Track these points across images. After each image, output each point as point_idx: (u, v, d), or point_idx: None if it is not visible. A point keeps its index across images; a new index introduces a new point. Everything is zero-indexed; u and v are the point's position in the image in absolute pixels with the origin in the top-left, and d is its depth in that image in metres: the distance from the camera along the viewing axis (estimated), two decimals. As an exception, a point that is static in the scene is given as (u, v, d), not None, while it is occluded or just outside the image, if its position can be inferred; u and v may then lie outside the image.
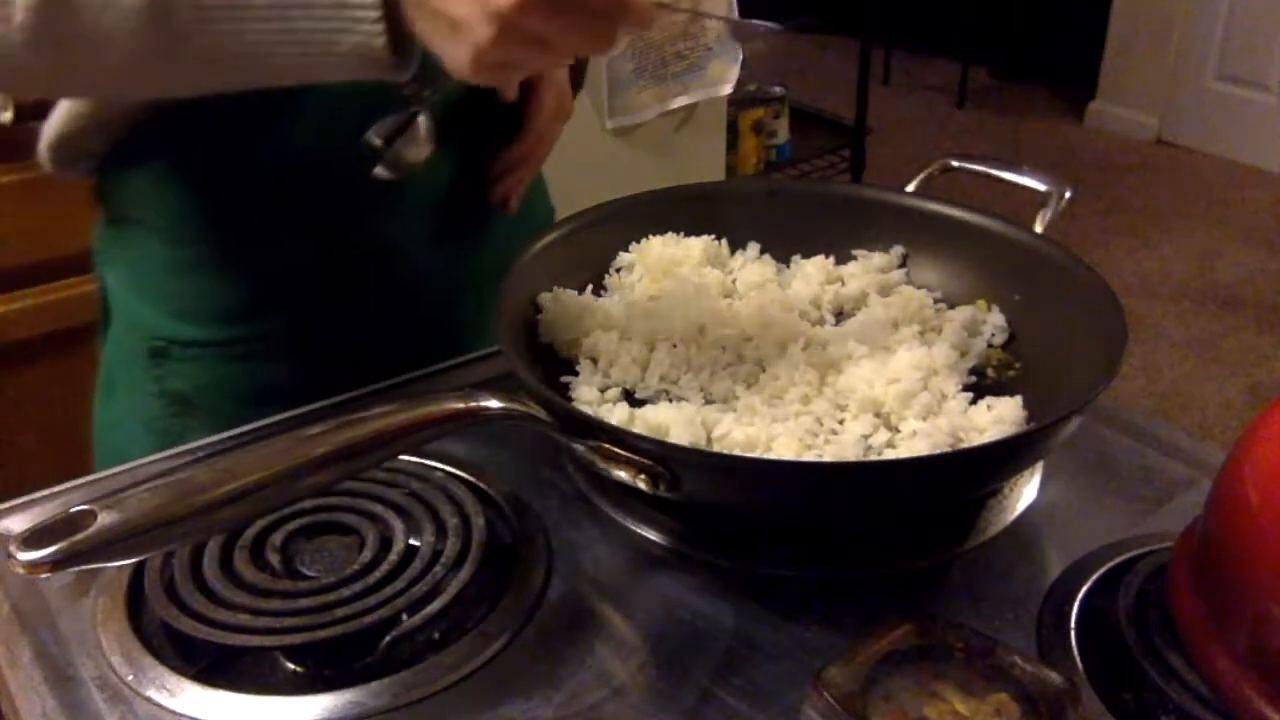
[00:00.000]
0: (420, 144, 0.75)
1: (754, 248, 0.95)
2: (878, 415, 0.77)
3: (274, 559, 0.70)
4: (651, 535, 0.75)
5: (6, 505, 0.77)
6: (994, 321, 0.87)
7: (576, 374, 0.82)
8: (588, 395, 0.79)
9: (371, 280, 0.95)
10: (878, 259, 0.93)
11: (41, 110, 0.86)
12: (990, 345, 0.86)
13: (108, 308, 0.99)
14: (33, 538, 0.55)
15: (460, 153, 0.95)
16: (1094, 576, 0.70)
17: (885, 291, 0.91)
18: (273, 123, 0.85)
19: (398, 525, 0.72)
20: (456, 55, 0.62)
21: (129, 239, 0.93)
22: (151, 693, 0.63)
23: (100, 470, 0.84)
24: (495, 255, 0.89)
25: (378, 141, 0.75)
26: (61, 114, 0.87)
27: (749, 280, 0.91)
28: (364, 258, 0.94)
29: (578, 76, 1.03)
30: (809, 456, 0.73)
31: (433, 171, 0.93)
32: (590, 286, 0.90)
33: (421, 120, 0.73)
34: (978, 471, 0.71)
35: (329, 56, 0.67)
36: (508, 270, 0.83)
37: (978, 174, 0.96)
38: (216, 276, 0.91)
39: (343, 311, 0.95)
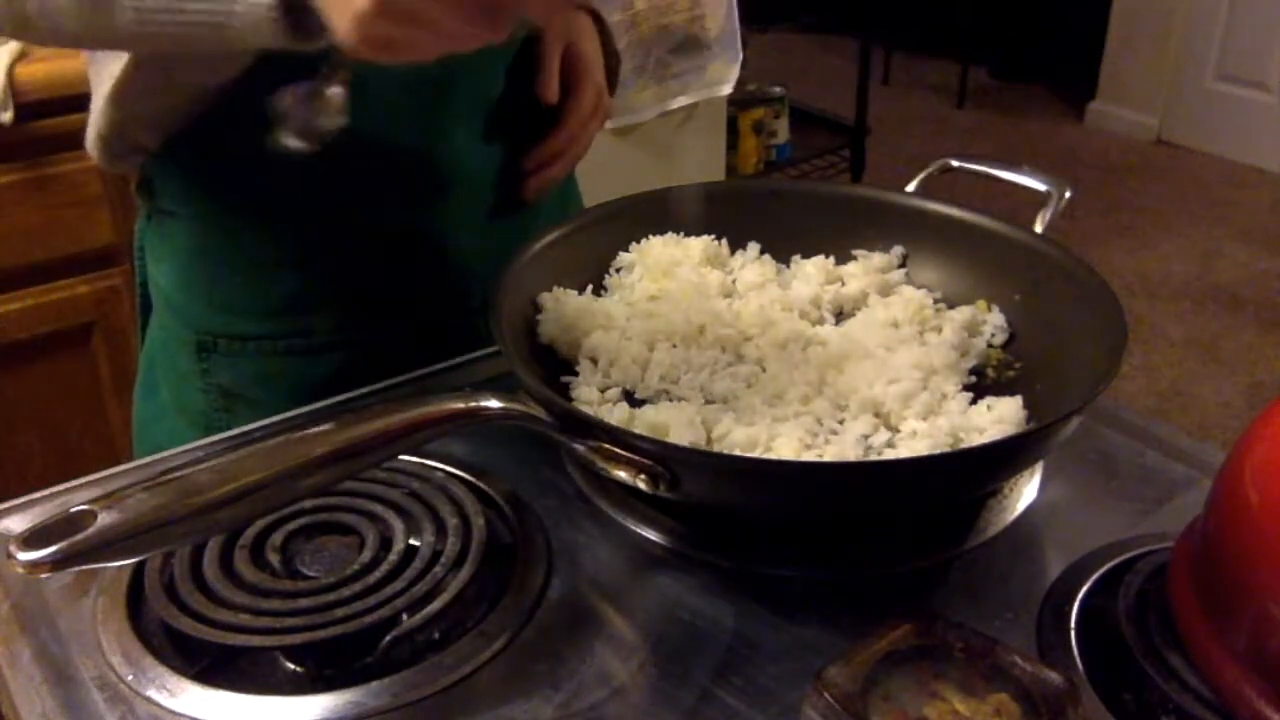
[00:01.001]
0: (332, 114, 0.72)
1: (754, 248, 0.95)
2: (878, 415, 0.77)
3: (274, 559, 0.70)
4: (651, 535, 0.75)
5: (6, 505, 0.77)
6: (994, 321, 0.87)
7: (576, 374, 0.82)
8: (588, 395, 0.79)
9: (419, 273, 0.95)
10: (878, 259, 0.93)
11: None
12: (990, 345, 0.86)
13: (148, 303, 0.99)
14: (33, 538, 0.55)
15: (507, 147, 0.96)
16: (1094, 576, 0.70)
17: (885, 291, 0.91)
18: None
19: (398, 525, 0.72)
20: (339, 23, 0.62)
21: (177, 233, 0.93)
22: (151, 693, 0.63)
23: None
24: None
25: (284, 106, 0.72)
26: (106, 103, 0.86)
27: (749, 280, 0.91)
28: (413, 251, 0.94)
29: (611, 79, 1.03)
30: (809, 456, 0.73)
31: (481, 164, 0.93)
32: (590, 286, 0.90)
33: (332, 91, 0.71)
34: (978, 471, 0.71)
35: (232, 16, 0.67)
36: (507, 270, 0.83)
37: (978, 174, 0.96)
38: (267, 270, 0.92)
39: (390, 304, 0.95)
